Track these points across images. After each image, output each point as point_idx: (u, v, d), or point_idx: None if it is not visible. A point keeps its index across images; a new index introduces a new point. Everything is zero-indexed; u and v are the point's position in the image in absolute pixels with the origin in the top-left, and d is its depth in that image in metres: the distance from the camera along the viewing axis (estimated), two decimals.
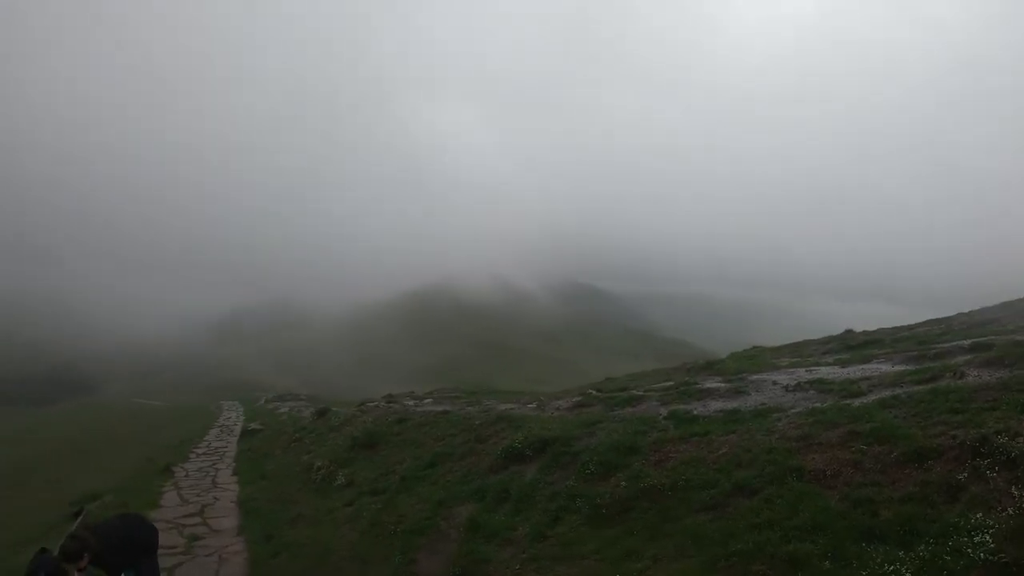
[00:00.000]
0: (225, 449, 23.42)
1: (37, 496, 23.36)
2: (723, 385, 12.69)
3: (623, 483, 8.03)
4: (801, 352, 20.77)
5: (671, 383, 14.71)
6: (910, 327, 23.62)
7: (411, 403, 23.76)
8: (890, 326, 24.74)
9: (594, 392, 16.21)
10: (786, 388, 11.34)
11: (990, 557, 4.70)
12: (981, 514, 5.17)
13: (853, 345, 20.02)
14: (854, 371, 12.50)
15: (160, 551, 8.17)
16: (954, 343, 14.10)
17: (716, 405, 10.96)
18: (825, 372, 12.82)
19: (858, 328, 25.12)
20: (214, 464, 20.18)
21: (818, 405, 9.23)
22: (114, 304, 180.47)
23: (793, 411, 9.22)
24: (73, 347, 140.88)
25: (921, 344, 15.80)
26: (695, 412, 10.51)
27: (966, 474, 5.82)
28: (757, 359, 19.54)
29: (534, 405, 16.01)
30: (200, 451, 23.15)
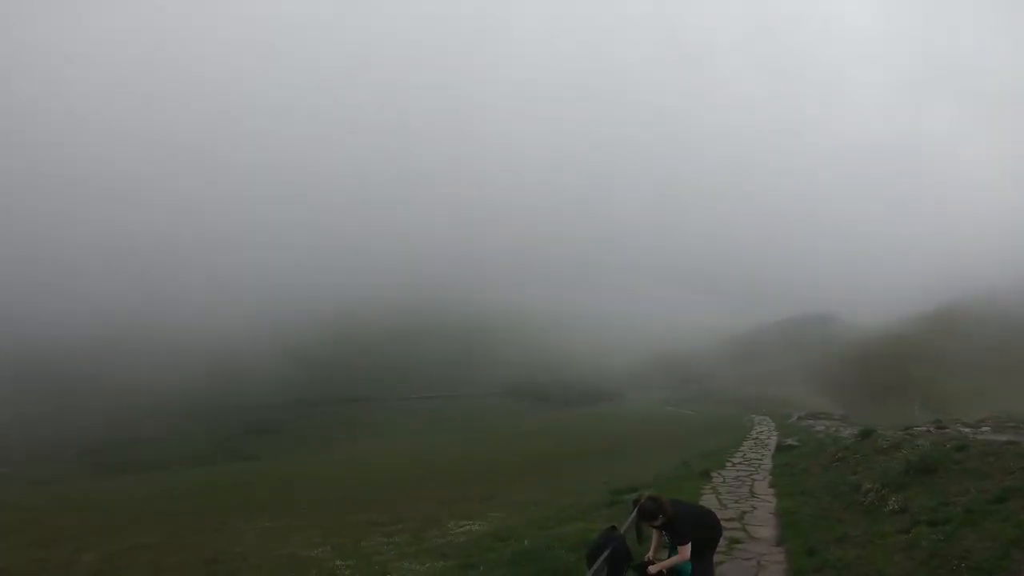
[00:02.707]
0: (760, 461, 23.98)
1: (575, 481, 27.26)
2: None
3: None
4: None
5: None
6: None
7: (967, 430, 21.46)
8: None
9: None
10: None
11: None
12: None
13: None
14: None
15: None
16: None
17: None
18: None
19: None
20: (750, 475, 20.84)
21: None
22: (644, 318, 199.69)
23: None
24: (601, 357, 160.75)
25: None
26: None
27: None
28: None
29: None
30: (736, 461, 24.20)
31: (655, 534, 8.38)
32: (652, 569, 7.86)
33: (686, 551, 7.83)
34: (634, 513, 8.53)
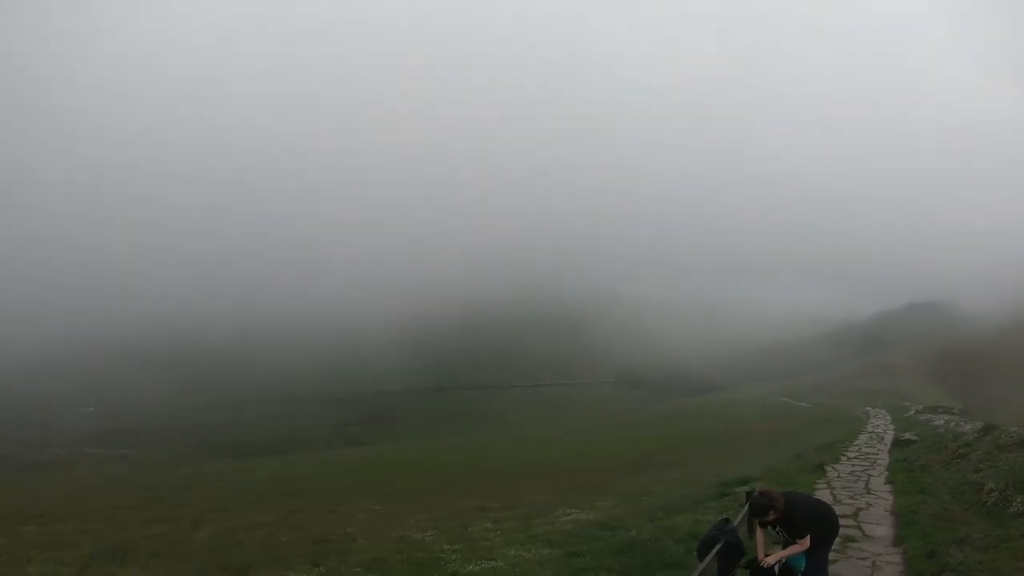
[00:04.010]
0: (876, 456, 23.35)
1: (685, 472, 27.06)
2: None
3: None
4: None
5: None
6: None
7: None
8: None
9: None
10: None
11: None
12: None
13: None
14: None
15: None
16: None
17: None
18: None
19: None
20: (866, 470, 20.40)
21: None
22: (755, 307, 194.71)
23: None
24: (711, 346, 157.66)
25: None
26: None
27: None
28: None
29: None
30: (851, 455, 23.66)
31: (759, 534, 8.28)
32: (770, 559, 7.83)
33: (806, 541, 7.75)
34: (747, 507, 8.51)
